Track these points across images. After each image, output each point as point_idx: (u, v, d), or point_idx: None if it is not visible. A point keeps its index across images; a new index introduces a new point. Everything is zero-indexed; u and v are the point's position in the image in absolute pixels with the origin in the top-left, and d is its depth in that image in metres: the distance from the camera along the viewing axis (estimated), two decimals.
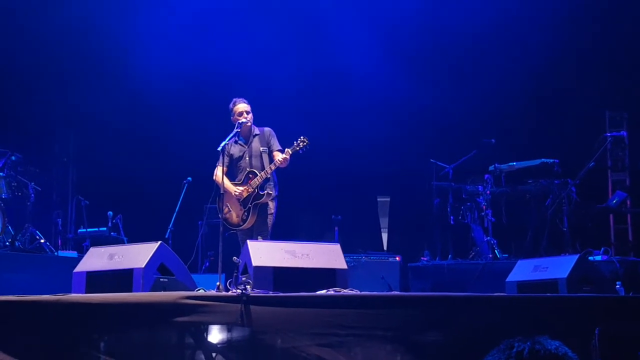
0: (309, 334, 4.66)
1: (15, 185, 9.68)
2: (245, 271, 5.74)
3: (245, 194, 7.57)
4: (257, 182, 7.53)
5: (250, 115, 7.75)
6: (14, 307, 4.78)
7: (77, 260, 6.92)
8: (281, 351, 4.64)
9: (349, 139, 11.73)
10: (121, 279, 5.70)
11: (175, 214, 9.42)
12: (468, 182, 10.13)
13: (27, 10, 11.20)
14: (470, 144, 10.36)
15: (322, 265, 5.82)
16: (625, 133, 10.47)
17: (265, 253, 5.80)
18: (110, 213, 10.87)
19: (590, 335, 4.59)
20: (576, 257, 6.19)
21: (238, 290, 4.83)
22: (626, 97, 10.63)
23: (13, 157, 9.69)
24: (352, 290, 5.54)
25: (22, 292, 5.56)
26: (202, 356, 4.70)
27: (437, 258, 10.11)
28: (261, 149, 7.74)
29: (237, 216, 7.61)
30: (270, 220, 7.64)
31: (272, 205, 7.67)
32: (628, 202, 9.88)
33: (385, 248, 11.58)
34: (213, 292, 5.29)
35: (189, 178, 9.48)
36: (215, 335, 4.74)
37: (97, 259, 6.12)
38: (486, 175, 9.90)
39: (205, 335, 4.73)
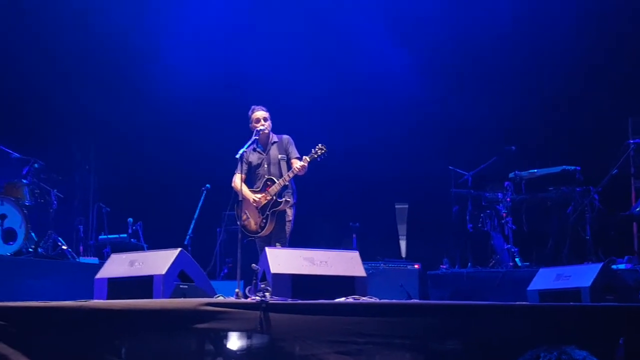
0: (327, 342, 4.65)
1: (38, 193, 9.76)
2: (263, 278, 5.75)
3: (263, 201, 7.59)
4: (275, 190, 7.55)
5: (268, 123, 7.77)
6: (37, 313, 4.80)
7: (98, 267, 6.97)
8: (300, 358, 4.63)
9: (367, 145, 11.72)
10: (142, 285, 5.73)
11: (194, 221, 9.47)
12: (487, 190, 10.09)
13: (49, 19, 11.31)
14: (490, 150, 10.32)
15: (340, 273, 5.81)
16: None
17: (283, 260, 5.80)
18: (130, 220, 10.95)
19: (615, 345, 4.55)
20: (599, 265, 6.14)
21: (257, 297, 4.84)
22: None
23: (36, 165, 9.76)
24: (371, 298, 5.53)
25: (45, 298, 5.61)
26: None
27: (457, 266, 10.06)
28: (279, 156, 7.75)
29: (255, 223, 7.63)
30: (288, 227, 7.65)
31: (290, 212, 7.68)
32: None
33: (403, 255, 11.55)
34: (232, 299, 5.30)
35: (208, 185, 9.54)
36: (234, 342, 4.75)
37: (118, 265, 6.16)
38: (506, 183, 9.86)
39: (224, 342, 4.73)
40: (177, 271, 5.91)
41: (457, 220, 10.33)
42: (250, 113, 7.82)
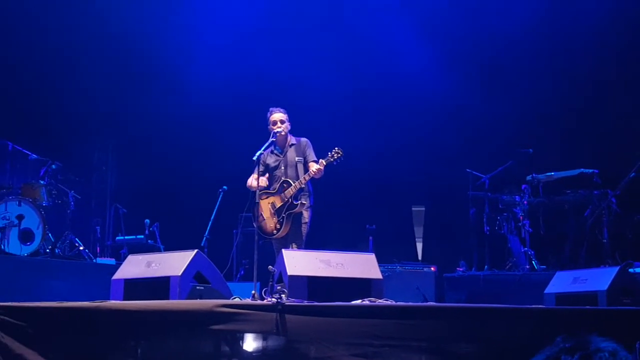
0: (343, 344, 4.64)
1: (56, 193, 9.83)
2: (280, 280, 5.75)
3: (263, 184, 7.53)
4: (291, 192, 7.55)
5: (285, 125, 7.77)
6: (53, 314, 4.83)
7: (114, 267, 7.00)
8: None
9: (384, 148, 11.71)
10: (158, 286, 5.74)
11: (210, 223, 9.49)
12: (505, 192, 10.05)
13: (71, 20, 11.38)
14: (508, 153, 10.28)
15: (357, 275, 5.81)
16: None
17: (300, 262, 5.80)
18: (147, 221, 11.00)
19: (632, 350, 4.52)
20: (616, 269, 6.10)
21: (273, 299, 4.83)
22: None
23: (54, 166, 9.83)
24: (387, 300, 5.52)
25: (62, 298, 5.64)
26: None
27: (473, 269, 10.03)
28: (296, 159, 7.75)
29: (271, 225, 7.63)
30: (304, 229, 7.65)
31: (306, 214, 7.68)
32: None
33: (420, 258, 11.51)
34: (248, 301, 5.30)
35: (225, 187, 9.55)
36: (251, 343, 4.76)
37: (134, 266, 6.18)
38: (523, 186, 9.82)
39: (240, 343, 4.74)
40: (194, 272, 5.93)
41: (474, 223, 10.30)
42: (268, 115, 7.84)
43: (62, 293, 7.42)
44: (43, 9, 11.18)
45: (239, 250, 10.55)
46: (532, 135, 10.82)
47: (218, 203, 9.48)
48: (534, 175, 9.89)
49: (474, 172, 10.42)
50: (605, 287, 5.75)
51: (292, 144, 7.84)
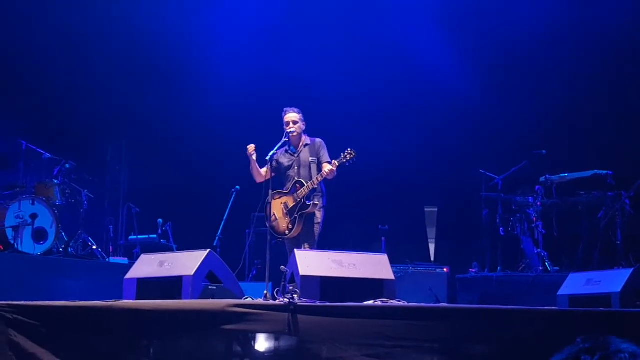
0: (355, 345, 4.64)
1: (69, 193, 9.86)
2: (292, 280, 5.76)
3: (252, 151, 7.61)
4: (304, 193, 7.54)
5: (298, 125, 7.77)
6: (66, 313, 4.84)
7: (127, 267, 7.02)
8: None
9: (397, 148, 11.68)
10: (171, 286, 5.76)
11: (223, 222, 9.50)
12: (518, 193, 10.01)
13: (85, 20, 11.41)
14: (521, 154, 10.24)
15: (369, 276, 5.81)
16: None
17: (312, 262, 5.80)
18: (160, 220, 11.03)
19: None
20: (630, 270, 6.08)
21: (285, 299, 4.84)
22: None
23: (67, 165, 9.86)
24: (399, 301, 5.52)
25: (74, 297, 5.67)
26: None
27: (486, 270, 9.99)
28: (310, 159, 7.75)
29: (284, 225, 7.63)
30: (317, 229, 7.64)
31: (319, 215, 7.67)
32: None
33: (432, 259, 11.50)
34: (261, 301, 5.31)
35: (238, 187, 9.56)
36: (263, 343, 4.77)
37: (147, 266, 6.20)
38: (537, 187, 9.77)
39: (252, 343, 4.75)
40: (206, 272, 5.94)
41: (487, 224, 10.25)
42: (283, 115, 7.85)
43: (74, 292, 7.44)
44: (58, 7, 11.21)
45: (251, 250, 10.55)
46: (545, 136, 10.77)
47: (231, 203, 9.49)
48: (547, 176, 9.84)
49: (487, 173, 10.38)
50: (619, 288, 5.74)
51: (307, 144, 7.84)
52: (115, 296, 5.80)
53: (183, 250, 7.46)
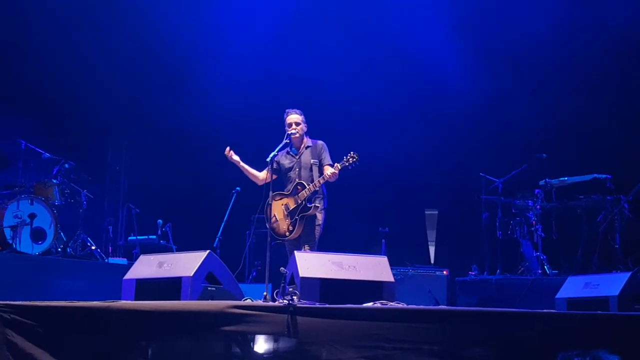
0: (355, 347, 4.64)
1: (68, 193, 9.84)
2: (292, 282, 5.75)
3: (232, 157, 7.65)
4: (305, 195, 7.53)
5: (300, 127, 7.77)
6: (64, 313, 4.83)
7: (126, 267, 7.01)
8: None
9: (398, 151, 11.69)
10: (170, 287, 5.74)
11: (223, 224, 9.50)
12: (518, 197, 10.02)
13: (85, 17, 11.42)
14: (521, 158, 10.24)
15: (369, 278, 5.80)
16: None
17: (312, 264, 5.79)
18: (160, 221, 11.02)
19: None
20: (628, 274, 6.09)
21: (285, 301, 4.83)
22: None
23: (66, 165, 9.84)
24: (399, 303, 5.51)
25: (73, 297, 5.66)
26: None
27: (485, 273, 10.00)
28: (312, 161, 7.74)
29: (284, 227, 7.63)
30: (317, 231, 7.64)
31: (320, 216, 7.67)
32: None
33: (432, 261, 11.51)
34: (260, 302, 5.30)
35: (238, 188, 9.56)
36: (262, 345, 4.76)
37: (146, 266, 6.18)
38: (536, 190, 9.79)
39: (251, 344, 4.74)
40: (205, 273, 5.92)
41: (487, 227, 10.26)
42: (284, 116, 7.84)
43: (73, 292, 7.43)
44: (58, 6, 11.21)
45: (251, 251, 10.56)
46: (546, 140, 10.78)
47: (231, 204, 9.49)
48: (547, 180, 9.86)
49: (487, 176, 10.39)
50: (617, 292, 5.75)
51: (308, 146, 7.83)
52: (114, 297, 5.79)
53: (183, 251, 7.46)
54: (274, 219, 7.59)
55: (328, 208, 7.79)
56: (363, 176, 10.20)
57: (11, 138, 9.80)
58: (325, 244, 7.75)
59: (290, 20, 11.80)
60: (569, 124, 11.09)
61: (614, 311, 5.59)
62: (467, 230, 11.14)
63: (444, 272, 9.89)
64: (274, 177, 7.28)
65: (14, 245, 8.72)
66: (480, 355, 4.70)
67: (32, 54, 11.38)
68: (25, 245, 8.87)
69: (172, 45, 11.61)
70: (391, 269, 6.00)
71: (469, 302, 9.22)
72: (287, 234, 7.59)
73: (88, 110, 11.79)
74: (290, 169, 7.80)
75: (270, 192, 7.03)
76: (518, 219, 9.90)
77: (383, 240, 10.59)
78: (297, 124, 7.76)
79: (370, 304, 5.27)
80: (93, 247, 9.86)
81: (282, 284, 5.54)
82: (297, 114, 7.81)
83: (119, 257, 10.75)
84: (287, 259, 6.81)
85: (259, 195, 7.55)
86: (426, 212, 12.00)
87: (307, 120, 7.90)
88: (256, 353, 4.74)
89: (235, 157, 7.83)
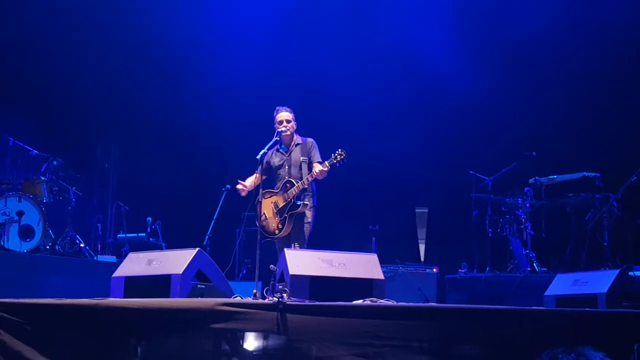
0: (344, 344, 4.63)
1: (57, 190, 9.79)
2: (282, 279, 5.75)
3: (244, 189, 7.60)
4: (294, 192, 7.53)
5: (290, 125, 7.77)
6: (52, 311, 4.82)
7: (115, 265, 6.98)
8: None
9: (388, 149, 11.70)
10: (159, 284, 5.73)
11: (213, 221, 9.47)
12: (507, 195, 10.05)
13: (73, 14, 11.37)
14: (511, 156, 10.27)
15: (359, 275, 5.80)
16: None
17: (302, 262, 5.79)
18: (149, 219, 10.99)
19: (630, 352, 4.52)
20: (616, 272, 6.13)
21: (274, 298, 4.83)
22: None
23: (55, 162, 9.78)
24: (389, 300, 5.51)
25: (61, 295, 5.63)
26: None
27: (475, 270, 10.03)
28: (301, 158, 7.73)
29: (274, 224, 7.62)
30: (307, 229, 7.63)
31: (309, 214, 7.66)
32: None
33: (422, 259, 11.53)
34: (250, 300, 5.29)
35: (228, 186, 9.52)
36: (251, 342, 4.74)
37: (135, 264, 6.17)
38: (526, 188, 9.81)
39: (241, 342, 4.73)
40: (195, 271, 5.91)
41: (477, 225, 10.29)
42: (274, 114, 7.83)
43: (62, 290, 7.38)
44: (49, 1, 11.16)
45: (241, 249, 10.54)
46: (535, 139, 10.81)
47: (221, 202, 9.46)
48: (536, 178, 9.89)
49: (477, 175, 10.41)
50: (605, 289, 5.79)
51: (298, 144, 7.83)
52: (103, 294, 5.77)
53: (172, 249, 7.43)
54: (263, 217, 7.57)
55: (318, 206, 7.78)
56: (354, 174, 10.22)
57: None
58: (315, 242, 7.75)
59: (278, 17, 11.79)
60: (559, 123, 11.13)
61: (603, 308, 5.61)
62: (457, 228, 11.17)
63: (434, 270, 9.90)
64: (264, 177, 7.28)
65: (2, 243, 8.66)
66: (470, 352, 4.71)
67: (21, 50, 11.32)
68: (13, 242, 8.81)
69: (162, 42, 11.58)
70: (381, 266, 6.01)
71: (458, 299, 9.24)
72: (277, 231, 7.59)
73: (77, 108, 11.74)
74: (280, 166, 7.79)
75: (260, 190, 7.01)
76: (508, 216, 9.93)
77: (373, 238, 10.60)
78: (288, 121, 7.76)
79: (360, 302, 5.27)
80: (82, 245, 9.81)
81: (272, 282, 5.54)
82: (287, 111, 7.80)
83: (108, 254, 10.72)
84: (277, 257, 6.81)
85: (249, 194, 7.53)
86: (416, 210, 12.02)
87: (298, 118, 7.89)
88: (246, 350, 4.72)
89: (244, 186, 7.79)
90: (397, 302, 5.58)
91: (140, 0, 11.40)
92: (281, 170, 7.78)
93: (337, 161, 7.40)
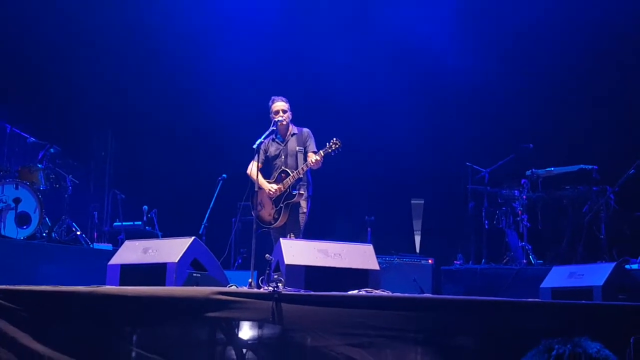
0: (339, 334, 4.63)
1: (53, 178, 9.77)
2: (277, 269, 5.75)
3: (278, 193, 7.59)
4: (289, 182, 7.54)
5: (287, 114, 7.76)
6: (48, 298, 4.82)
7: (111, 253, 6.98)
8: (311, 349, 4.63)
9: (385, 141, 11.69)
10: (154, 272, 5.73)
11: (209, 210, 9.48)
12: (504, 187, 10.04)
13: (71, 4, 11.33)
14: (508, 148, 10.27)
15: (354, 266, 5.81)
16: None
17: (297, 252, 5.79)
18: (145, 207, 10.98)
19: (625, 344, 4.52)
20: (612, 265, 6.13)
21: (270, 288, 4.83)
22: None
23: (52, 150, 9.77)
24: (384, 291, 5.52)
25: (57, 283, 5.62)
26: (233, 352, 4.70)
27: (470, 262, 10.03)
28: (297, 148, 7.74)
29: (269, 214, 7.63)
30: (302, 219, 7.64)
31: (304, 204, 7.67)
32: None
33: (417, 251, 11.53)
34: (245, 289, 5.29)
35: (224, 175, 9.54)
36: (246, 331, 4.75)
37: (131, 252, 6.17)
38: (523, 180, 9.81)
39: (236, 331, 4.73)
40: (190, 259, 5.92)
41: (473, 216, 10.29)
42: (270, 104, 7.82)
43: (58, 277, 7.37)
44: None
45: (237, 238, 10.54)
46: (533, 131, 10.80)
47: (217, 191, 9.47)
48: (533, 170, 9.88)
49: (474, 166, 10.41)
50: (601, 282, 5.79)
51: (294, 134, 7.83)
52: (99, 282, 5.77)
53: (168, 237, 7.43)
54: (259, 207, 7.57)
55: (314, 196, 7.79)
56: (350, 165, 10.22)
57: None
58: (311, 232, 7.76)
59: (272, 9, 11.77)
60: (556, 115, 11.12)
61: (598, 301, 5.61)
62: (453, 219, 11.17)
63: (429, 261, 9.91)
64: (260, 166, 7.28)
65: None
66: (465, 343, 4.71)
67: (17, 38, 11.28)
68: (10, 229, 8.80)
69: (159, 31, 11.56)
70: (377, 257, 6.01)
71: (454, 291, 9.24)
72: (272, 221, 7.60)
73: (74, 95, 11.73)
74: (277, 156, 7.79)
75: (257, 179, 7.01)
76: (504, 208, 9.92)
77: (369, 229, 10.60)
78: (284, 111, 7.75)
79: (355, 292, 5.27)
80: (78, 233, 9.81)
81: (268, 271, 5.54)
82: (283, 101, 7.80)
83: (104, 242, 10.69)
84: (272, 247, 6.81)
85: (245, 183, 7.53)
86: (412, 202, 12.01)
87: (295, 108, 7.89)
88: (241, 339, 4.73)
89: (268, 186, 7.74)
90: (392, 292, 5.59)
91: None
92: (277, 160, 7.78)
93: (332, 150, 7.41)
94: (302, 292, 5.11)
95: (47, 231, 9.39)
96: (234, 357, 4.68)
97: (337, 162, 7.82)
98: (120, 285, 5.80)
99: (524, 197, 9.70)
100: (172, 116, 12.05)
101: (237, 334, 4.73)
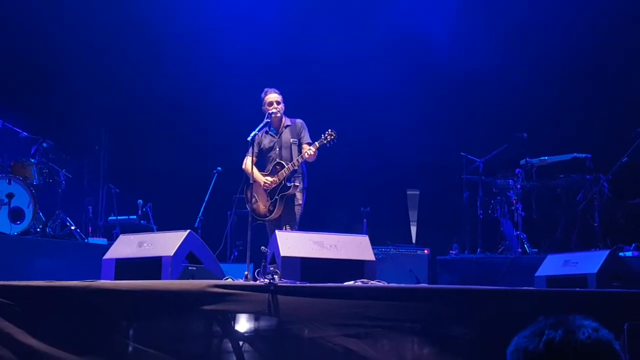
0: (335, 325, 4.64)
1: (47, 172, 9.73)
2: (273, 261, 5.75)
3: (273, 185, 7.58)
4: (284, 174, 7.52)
5: (280, 106, 7.74)
6: (43, 293, 4.81)
7: (106, 248, 6.97)
8: (308, 341, 4.63)
9: (380, 131, 11.68)
10: (150, 266, 5.72)
11: (204, 204, 9.47)
12: (499, 176, 10.07)
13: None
14: (502, 137, 10.28)
15: (350, 257, 5.81)
16: None
17: (293, 243, 5.79)
18: (140, 201, 10.95)
19: (619, 331, 4.53)
20: (607, 252, 6.15)
21: (266, 280, 4.83)
22: None
23: (45, 144, 9.72)
24: (380, 282, 5.52)
25: (52, 277, 5.61)
26: (229, 344, 4.70)
27: (466, 252, 10.05)
28: (291, 140, 7.72)
29: (264, 206, 7.62)
30: (298, 211, 7.63)
31: (299, 196, 7.66)
32: None
33: (413, 241, 11.54)
34: (241, 281, 5.29)
35: (219, 168, 9.53)
36: (243, 324, 4.75)
37: (126, 246, 6.16)
38: (517, 170, 9.82)
39: (232, 323, 4.73)
40: (186, 253, 5.91)
41: (468, 206, 10.31)
42: (263, 95, 7.80)
43: (52, 272, 7.37)
44: None
45: (232, 231, 10.52)
46: (526, 120, 10.82)
47: (212, 184, 9.46)
48: (527, 159, 9.89)
49: (469, 156, 10.42)
50: (596, 270, 5.81)
51: (287, 125, 7.81)
52: (94, 277, 5.74)
53: (163, 231, 7.41)
54: (254, 200, 7.56)
55: (309, 187, 7.78)
56: (345, 156, 10.22)
57: None
58: (306, 224, 7.76)
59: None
60: (550, 104, 11.14)
61: (593, 288, 5.63)
62: (448, 209, 11.19)
63: (425, 251, 9.92)
64: (255, 159, 7.27)
65: None
66: (461, 332, 4.72)
67: (9, 31, 11.23)
68: (3, 225, 8.75)
69: (152, 24, 11.50)
70: (372, 248, 6.02)
71: (450, 280, 9.27)
72: (267, 214, 7.59)
73: (67, 89, 11.67)
74: (271, 148, 7.77)
75: (252, 172, 7.01)
76: (499, 198, 9.94)
77: (365, 220, 10.61)
78: (278, 102, 7.73)
79: (351, 283, 5.28)
80: (72, 227, 9.78)
81: (263, 264, 5.54)
82: (276, 92, 7.78)
83: (99, 237, 10.67)
84: (268, 239, 6.81)
85: (240, 176, 7.52)
86: (408, 192, 12.02)
87: (289, 100, 7.87)
88: (237, 332, 4.73)
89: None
90: (388, 283, 5.59)
91: None
92: (271, 152, 7.76)
93: (327, 141, 7.40)
94: (298, 283, 5.12)
95: (41, 226, 9.36)
96: (231, 349, 4.68)
97: (332, 154, 7.81)
98: (116, 279, 5.79)
99: (519, 186, 9.72)
100: (166, 109, 12.02)
101: (234, 327, 4.73)
